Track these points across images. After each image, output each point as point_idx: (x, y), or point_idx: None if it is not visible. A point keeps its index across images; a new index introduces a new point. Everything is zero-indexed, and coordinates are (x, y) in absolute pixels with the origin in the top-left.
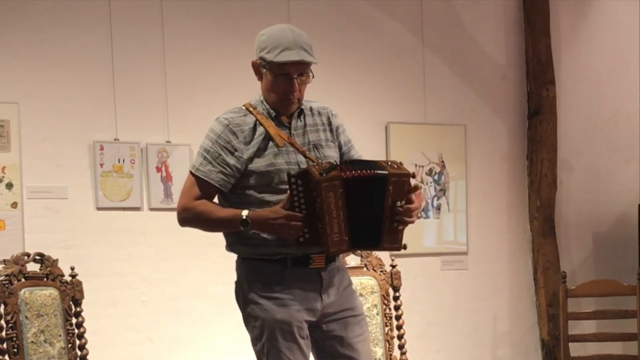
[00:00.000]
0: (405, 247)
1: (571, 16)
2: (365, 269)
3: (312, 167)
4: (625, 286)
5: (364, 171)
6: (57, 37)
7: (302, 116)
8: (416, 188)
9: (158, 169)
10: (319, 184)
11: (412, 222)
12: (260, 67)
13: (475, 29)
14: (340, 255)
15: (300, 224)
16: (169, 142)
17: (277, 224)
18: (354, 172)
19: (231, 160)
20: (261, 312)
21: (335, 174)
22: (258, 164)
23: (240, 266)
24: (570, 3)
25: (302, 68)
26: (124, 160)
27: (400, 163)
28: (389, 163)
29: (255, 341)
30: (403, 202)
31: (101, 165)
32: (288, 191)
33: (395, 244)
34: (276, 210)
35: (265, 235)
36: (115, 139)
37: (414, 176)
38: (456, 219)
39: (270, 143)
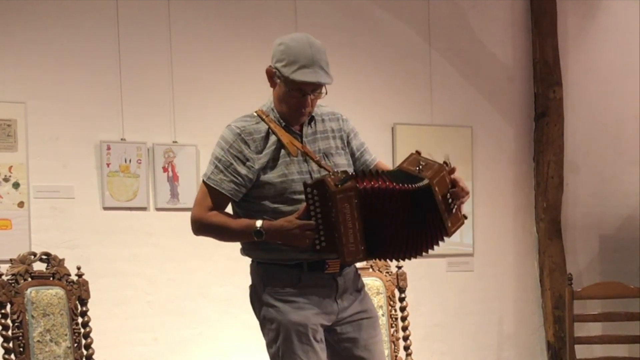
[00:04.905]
0: (466, 217)
1: (578, 18)
2: (371, 270)
3: (328, 177)
4: (631, 288)
5: (388, 183)
6: (64, 37)
7: (312, 122)
8: (453, 170)
9: (164, 169)
10: (334, 195)
11: (466, 195)
12: (274, 75)
13: (482, 31)
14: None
15: (314, 233)
16: (176, 142)
17: (292, 234)
18: (372, 183)
19: (243, 170)
20: (277, 314)
21: (351, 185)
22: (270, 175)
23: (256, 270)
24: (577, 5)
25: (317, 86)
26: (130, 160)
27: (418, 152)
28: (418, 166)
29: (270, 344)
30: (450, 191)
31: (108, 165)
32: (304, 201)
33: (459, 221)
34: (290, 220)
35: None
36: (121, 139)
37: (447, 165)
38: None
39: (283, 152)
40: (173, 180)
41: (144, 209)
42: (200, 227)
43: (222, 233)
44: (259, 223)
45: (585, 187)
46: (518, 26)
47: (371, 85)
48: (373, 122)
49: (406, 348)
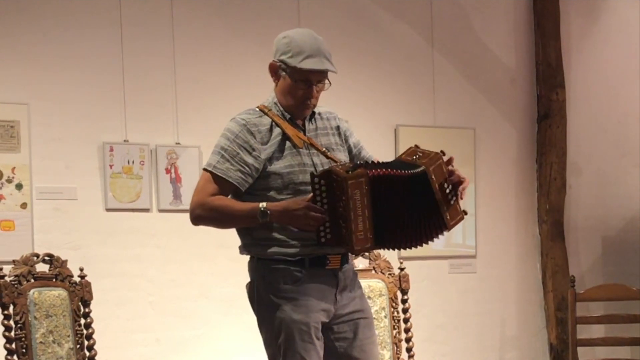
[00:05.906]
0: (466, 213)
1: (581, 19)
2: (373, 271)
3: (336, 167)
4: (634, 290)
5: (393, 170)
6: (68, 38)
7: (312, 119)
8: (450, 160)
9: (167, 171)
10: (346, 181)
11: (465, 187)
12: (278, 69)
13: (485, 32)
14: (350, 257)
15: (320, 216)
16: (179, 143)
17: (297, 215)
18: (379, 170)
19: (249, 160)
20: (279, 312)
21: (361, 172)
22: (277, 166)
23: (256, 267)
24: (580, 6)
25: (322, 76)
26: (133, 162)
27: (417, 146)
28: (415, 155)
29: (270, 342)
30: (447, 180)
31: (110, 166)
32: (311, 192)
33: (458, 216)
34: (296, 201)
35: (279, 236)
36: (124, 140)
37: (444, 154)
38: (465, 222)
39: (288, 144)
40: (176, 181)
41: (146, 210)
42: (202, 211)
43: (224, 216)
44: (263, 204)
45: (587, 189)
46: (521, 28)
47: (374, 86)
48: (376, 124)
49: (408, 350)
